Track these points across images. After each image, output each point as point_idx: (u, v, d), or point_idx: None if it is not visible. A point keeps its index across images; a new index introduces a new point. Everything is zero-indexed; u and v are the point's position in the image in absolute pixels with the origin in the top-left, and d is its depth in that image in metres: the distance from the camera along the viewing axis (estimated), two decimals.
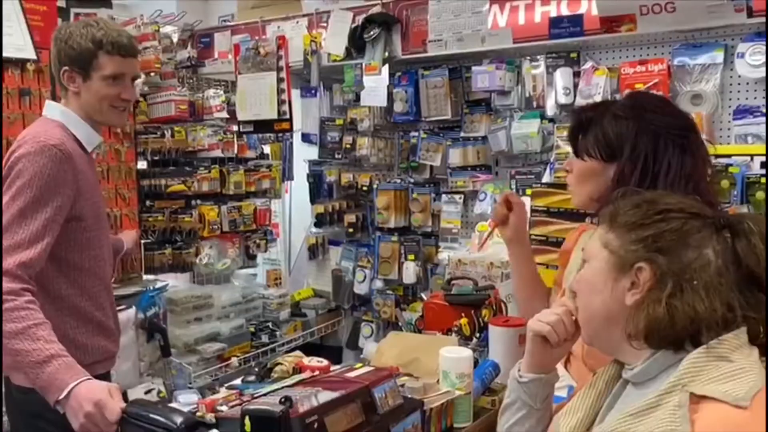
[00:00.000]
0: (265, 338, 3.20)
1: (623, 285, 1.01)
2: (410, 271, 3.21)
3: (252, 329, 3.21)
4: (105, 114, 1.82)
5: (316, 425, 1.23)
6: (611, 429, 0.96)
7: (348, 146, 3.42)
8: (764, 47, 2.32)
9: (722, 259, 0.96)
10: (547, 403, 1.20)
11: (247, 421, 1.20)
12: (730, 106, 2.47)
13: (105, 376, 1.86)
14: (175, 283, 3.13)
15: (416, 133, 3.25)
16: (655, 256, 0.98)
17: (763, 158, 2.08)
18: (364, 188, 3.42)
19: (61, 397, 1.45)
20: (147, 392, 2.68)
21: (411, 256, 3.24)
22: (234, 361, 3.00)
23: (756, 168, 2.06)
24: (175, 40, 3.29)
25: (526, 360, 1.21)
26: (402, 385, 1.52)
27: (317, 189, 3.62)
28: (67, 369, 1.47)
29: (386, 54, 3.06)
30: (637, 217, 1.02)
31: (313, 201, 3.63)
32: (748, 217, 1.01)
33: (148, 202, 3.05)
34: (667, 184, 1.36)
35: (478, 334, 2.03)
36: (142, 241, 3.02)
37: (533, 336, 1.18)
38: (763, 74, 2.33)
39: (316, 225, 3.59)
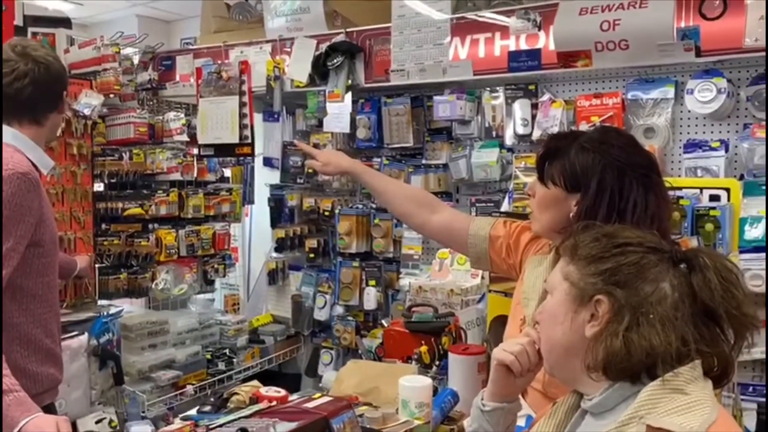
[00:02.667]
0: (221, 365, 3.13)
1: (583, 317, 1.02)
2: (371, 297, 3.21)
3: (208, 356, 3.14)
4: (54, 138, 1.93)
5: None
6: None
7: (310, 171, 3.42)
8: (712, 85, 2.42)
9: (678, 293, 0.98)
10: None
11: None
12: (680, 140, 2.57)
13: (50, 407, 1.81)
14: (129, 308, 3.06)
15: (378, 159, 3.27)
16: (613, 288, 1.00)
17: (712, 191, 2.15)
18: (326, 213, 3.41)
19: None
20: (98, 422, 2.59)
21: (372, 282, 3.24)
22: (189, 389, 2.93)
23: (705, 201, 2.14)
24: (136, 62, 3.26)
25: (489, 389, 1.21)
26: (361, 415, 1.51)
27: (278, 213, 3.61)
28: (17, 405, 1.44)
29: (349, 82, 3.09)
30: (596, 251, 1.04)
31: (273, 225, 3.61)
32: (703, 251, 1.03)
33: (104, 226, 2.98)
34: (633, 222, 1.38)
35: (437, 362, 2.03)
36: (97, 266, 2.94)
37: (497, 365, 1.19)
38: (712, 110, 2.43)
39: (277, 250, 3.56)
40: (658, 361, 0.96)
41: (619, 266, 1.01)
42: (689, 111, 2.53)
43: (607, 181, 1.43)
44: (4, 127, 1.79)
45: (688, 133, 2.58)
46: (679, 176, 2.45)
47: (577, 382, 1.07)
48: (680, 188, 2.12)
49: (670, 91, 2.56)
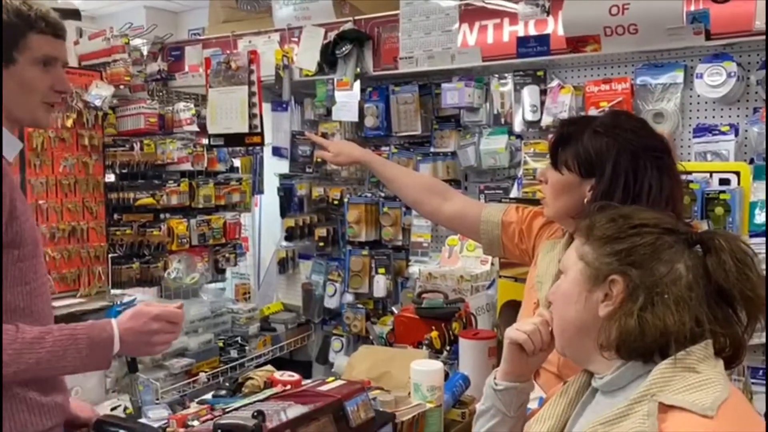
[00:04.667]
0: (234, 353, 3.17)
1: (597, 297, 1.03)
2: (381, 285, 3.23)
3: (221, 344, 3.17)
4: (32, 110, 1.40)
5: None
6: None
7: (319, 160, 3.43)
8: (721, 69, 2.41)
9: (693, 274, 0.99)
10: (521, 412, 1.23)
11: None
12: (690, 125, 2.56)
13: None
14: (142, 297, 3.09)
15: (387, 148, 3.28)
16: (628, 269, 1.01)
17: (722, 175, 2.15)
18: (335, 202, 3.43)
19: (117, 348, 1.34)
20: (113, 409, 2.62)
21: (381, 270, 3.26)
22: (202, 376, 2.96)
23: (715, 184, 2.14)
24: (145, 52, 3.27)
25: (502, 368, 1.23)
26: (373, 399, 1.54)
27: (288, 203, 3.62)
28: (91, 328, 1.33)
29: (358, 70, 3.09)
30: (612, 231, 1.05)
31: (283, 215, 3.62)
32: (719, 233, 1.04)
33: (116, 216, 3.01)
34: (648, 205, 1.39)
35: (448, 347, 2.05)
36: (110, 255, 2.97)
37: (509, 344, 1.20)
38: (721, 94, 2.42)
39: (287, 239, 3.58)
40: (671, 341, 0.97)
41: (635, 247, 1.02)
42: (699, 95, 2.51)
43: (622, 165, 1.43)
44: None
45: (698, 117, 2.57)
46: (689, 161, 2.44)
47: (588, 361, 1.08)
48: (690, 172, 2.12)
49: (679, 76, 2.55)
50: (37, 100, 1.39)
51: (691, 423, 0.89)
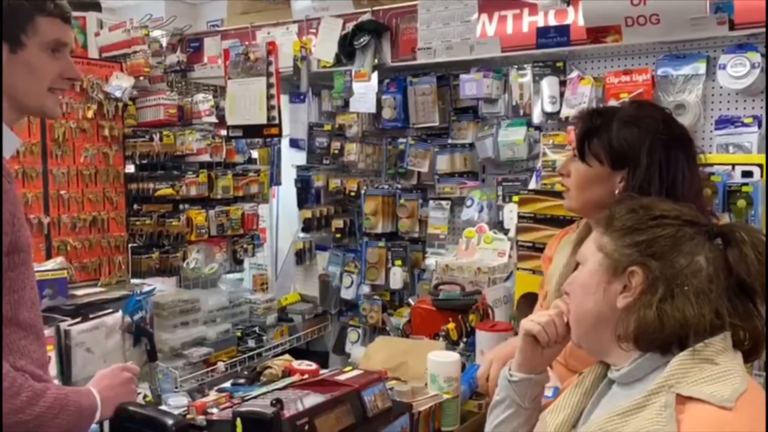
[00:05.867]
0: (251, 343, 3.19)
1: (615, 288, 1.03)
2: (397, 277, 3.23)
3: (239, 334, 3.20)
4: (40, 98, 1.30)
5: (306, 427, 1.24)
6: (599, 428, 0.98)
7: (336, 152, 3.44)
8: (745, 60, 2.37)
9: (713, 267, 0.99)
10: (536, 403, 1.23)
11: (238, 422, 1.22)
12: (712, 117, 2.53)
13: None
14: (161, 287, 3.12)
15: (404, 140, 3.27)
16: (648, 260, 1.00)
17: (744, 167, 2.12)
18: (352, 194, 3.43)
19: (98, 417, 1.32)
20: None
21: (398, 262, 3.26)
22: (220, 365, 2.99)
23: (737, 177, 2.11)
24: (164, 44, 3.29)
25: (517, 359, 1.22)
26: (390, 389, 1.54)
27: (305, 194, 3.63)
28: (75, 395, 1.29)
29: (376, 61, 3.09)
30: (632, 222, 1.04)
31: (300, 206, 3.64)
32: (739, 226, 1.03)
33: (135, 206, 3.04)
34: (683, 194, 1.37)
35: (465, 339, 2.05)
36: (130, 245, 3.01)
37: (524, 335, 1.20)
38: (745, 85, 2.38)
39: (304, 230, 3.60)
40: (690, 333, 0.96)
41: (655, 238, 1.01)
42: (721, 87, 2.48)
43: (655, 155, 1.42)
44: None
45: (720, 109, 2.53)
46: (710, 153, 2.41)
47: (604, 352, 1.07)
48: (711, 165, 2.09)
49: (701, 67, 2.52)
50: (45, 87, 1.30)
51: (709, 414, 0.89)
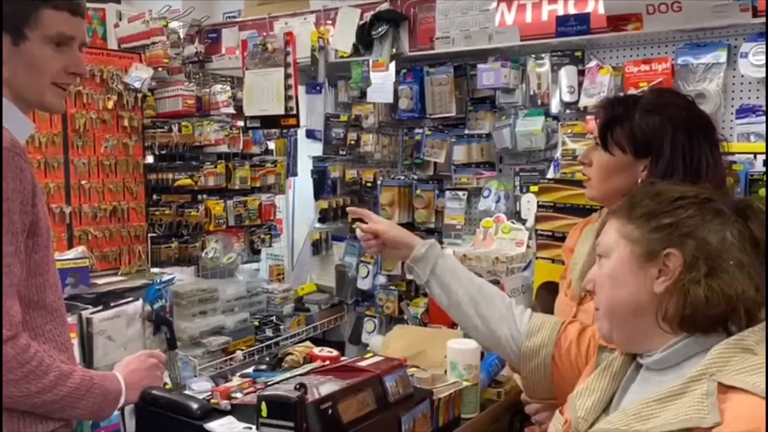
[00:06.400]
0: (269, 332, 3.22)
1: (651, 273, 1.02)
2: None
3: (256, 323, 3.23)
4: (41, 92, 1.28)
5: (330, 411, 1.25)
6: (635, 412, 0.97)
7: (352, 143, 3.44)
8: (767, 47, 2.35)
9: (740, 241, 0.99)
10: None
11: (263, 406, 1.23)
12: (732, 105, 2.50)
13: None
14: (180, 276, 3.15)
15: (421, 130, 3.27)
16: (683, 239, 1.00)
17: (765, 157, 2.10)
18: (368, 184, 3.44)
19: (122, 401, 1.35)
20: None
21: None
22: (239, 354, 3.01)
23: (759, 166, 2.09)
24: (182, 35, 3.31)
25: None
26: (411, 376, 1.55)
27: (321, 185, 3.65)
28: (102, 380, 1.32)
29: (394, 51, 3.09)
30: (654, 207, 1.04)
31: (317, 197, 3.65)
32: (751, 200, 1.04)
33: (155, 196, 3.07)
34: (708, 181, 1.36)
35: None
36: (149, 235, 3.04)
37: None
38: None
39: (320, 221, 3.61)
40: (739, 307, 0.96)
41: (681, 219, 1.01)
42: (742, 75, 2.46)
43: (678, 143, 1.41)
44: None
45: (741, 98, 2.51)
46: (732, 142, 2.39)
47: (640, 341, 1.05)
48: (733, 153, 2.07)
49: (722, 56, 2.49)
50: (47, 82, 1.27)
51: (752, 405, 0.88)
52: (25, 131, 1.31)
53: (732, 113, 2.49)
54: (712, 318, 0.98)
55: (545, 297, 2.13)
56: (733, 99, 2.52)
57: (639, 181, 1.45)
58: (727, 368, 0.93)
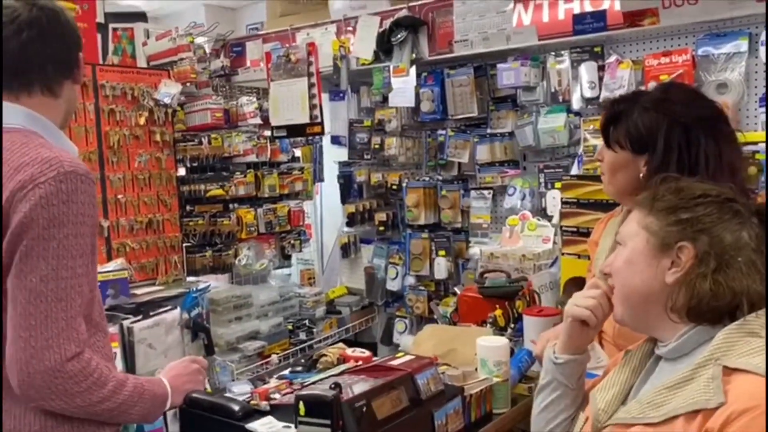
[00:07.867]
0: (302, 335, 3.29)
1: (664, 264, 1.07)
2: (441, 267, 3.28)
3: (290, 327, 3.30)
4: (67, 122, 1.43)
5: (364, 409, 1.30)
6: (648, 400, 1.02)
7: (376, 147, 3.50)
8: None
9: (755, 243, 1.03)
10: (581, 383, 1.26)
11: (301, 405, 1.28)
12: (756, 94, 2.49)
13: None
14: (215, 284, 3.24)
15: (443, 132, 3.31)
16: (698, 235, 1.04)
17: None
18: (394, 187, 3.49)
19: (169, 404, 1.42)
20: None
21: (442, 252, 3.31)
22: (274, 358, 3.09)
23: None
24: (208, 50, 3.40)
25: (563, 342, 1.26)
26: (442, 373, 1.59)
27: (347, 189, 3.71)
28: (149, 385, 1.39)
29: (413, 56, 3.13)
30: (675, 201, 1.09)
31: (343, 201, 3.72)
32: None
33: (188, 207, 3.17)
34: (708, 175, 1.39)
35: (512, 325, 2.08)
36: (184, 245, 3.13)
37: (572, 321, 1.24)
38: None
39: (348, 224, 3.67)
40: (743, 301, 1.00)
41: (700, 216, 1.05)
42: (765, 63, 2.44)
43: (673, 139, 1.44)
44: (12, 107, 1.29)
45: (764, 86, 2.49)
46: (755, 131, 2.38)
47: (651, 328, 1.11)
48: (756, 143, 2.08)
49: (743, 44, 2.48)
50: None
51: (754, 384, 0.92)
52: (75, 155, 1.41)
53: (756, 101, 2.48)
54: (719, 310, 1.02)
55: (572, 292, 2.15)
56: (756, 87, 2.51)
57: (641, 176, 1.48)
58: (732, 352, 0.97)
